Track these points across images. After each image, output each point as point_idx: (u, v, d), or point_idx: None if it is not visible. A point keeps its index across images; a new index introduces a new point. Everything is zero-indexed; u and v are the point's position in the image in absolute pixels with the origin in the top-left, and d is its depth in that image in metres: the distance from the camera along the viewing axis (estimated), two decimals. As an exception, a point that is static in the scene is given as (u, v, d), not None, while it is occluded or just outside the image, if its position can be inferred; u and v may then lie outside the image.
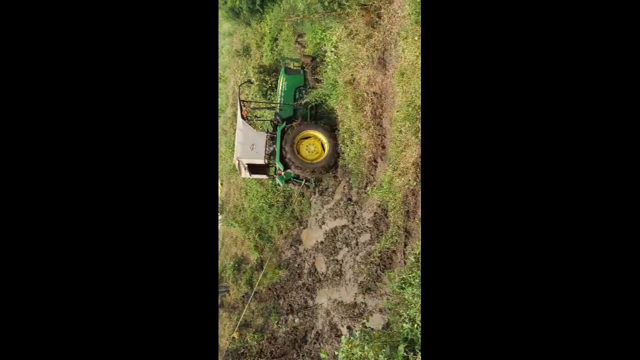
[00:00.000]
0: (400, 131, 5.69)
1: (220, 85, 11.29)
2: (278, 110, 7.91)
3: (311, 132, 7.44)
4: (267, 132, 7.81)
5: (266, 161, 7.64)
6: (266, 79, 9.05)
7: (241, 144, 7.51)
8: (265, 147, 7.58)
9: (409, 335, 4.09)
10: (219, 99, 11.13)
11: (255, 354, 7.66)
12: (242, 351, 7.82)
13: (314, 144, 7.52)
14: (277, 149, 7.47)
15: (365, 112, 6.50)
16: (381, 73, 6.17)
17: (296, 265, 8.06)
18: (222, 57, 11.53)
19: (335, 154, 7.36)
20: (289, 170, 7.56)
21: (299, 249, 8.17)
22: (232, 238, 10.06)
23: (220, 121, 11.06)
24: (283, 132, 7.49)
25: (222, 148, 10.81)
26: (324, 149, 7.48)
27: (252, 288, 8.40)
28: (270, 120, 8.11)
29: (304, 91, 7.87)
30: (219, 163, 10.45)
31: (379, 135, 6.53)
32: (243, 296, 8.87)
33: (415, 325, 4.11)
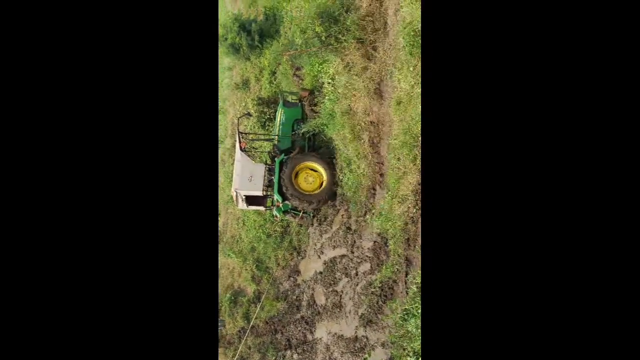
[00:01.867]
0: (399, 159, 5.74)
1: (219, 117, 11.51)
2: (276, 142, 8.01)
3: (309, 163, 7.49)
4: (266, 163, 7.85)
5: (264, 193, 7.62)
6: (265, 110, 9.25)
7: (239, 175, 7.53)
8: (264, 178, 7.59)
9: (414, 371, 3.89)
10: (219, 131, 11.30)
11: (252, 394, 7.22)
12: (237, 391, 7.38)
13: (313, 176, 7.54)
14: (276, 181, 7.47)
15: (362, 141, 6.59)
16: (377, 103, 6.33)
17: (294, 297, 7.81)
18: (222, 90, 11.86)
19: (334, 185, 7.36)
20: (286, 202, 7.52)
21: (297, 280, 7.95)
22: (228, 269, 9.81)
23: (219, 152, 11.16)
24: (281, 163, 7.53)
25: (220, 178, 10.83)
26: (322, 180, 7.50)
27: (249, 322, 8.07)
28: (269, 152, 8.18)
29: (302, 124, 8.01)
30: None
31: (377, 163, 6.58)
32: (239, 331, 8.50)
33: (421, 360, 3.92)
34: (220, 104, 11.57)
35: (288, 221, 8.45)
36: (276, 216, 8.13)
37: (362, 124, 6.57)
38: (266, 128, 9.22)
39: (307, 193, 7.40)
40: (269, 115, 9.14)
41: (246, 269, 9.12)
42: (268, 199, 7.86)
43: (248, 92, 10.58)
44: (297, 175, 7.52)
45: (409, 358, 4.03)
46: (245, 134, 8.50)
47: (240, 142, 7.71)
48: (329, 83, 7.18)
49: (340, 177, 7.27)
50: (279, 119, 8.13)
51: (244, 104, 10.37)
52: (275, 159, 7.71)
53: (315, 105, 7.91)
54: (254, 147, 8.87)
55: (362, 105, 6.45)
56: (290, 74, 8.86)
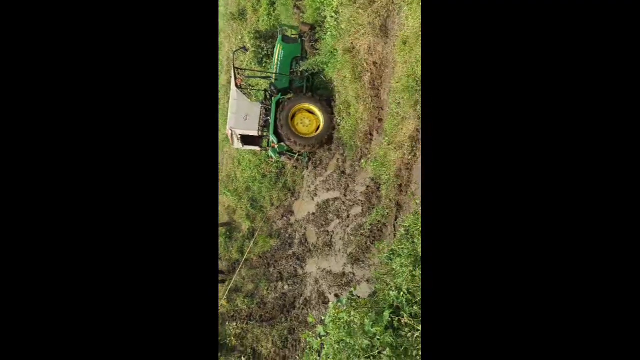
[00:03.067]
0: (398, 103, 5.60)
1: (214, 50, 10.90)
2: (273, 80, 7.70)
3: (307, 105, 7.29)
4: (262, 102, 7.63)
5: (260, 133, 7.52)
6: (262, 45, 8.76)
7: (234, 113, 7.35)
8: (259, 118, 7.43)
9: (394, 302, 4.20)
10: (213, 65, 10.78)
11: (245, 317, 7.88)
12: (232, 314, 8.03)
13: (309, 118, 7.39)
14: (272, 121, 7.32)
15: (363, 82, 6.36)
16: (382, 41, 5.99)
17: (287, 235, 8.14)
18: (216, 20, 11.09)
19: (330, 129, 7.26)
20: (282, 143, 7.46)
21: (290, 219, 8.23)
22: (224, 206, 10.07)
23: (214, 88, 10.77)
24: (278, 103, 7.32)
25: (215, 116, 10.60)
26: (319, 123, 7.37)
27: (243, 255, 8.51)
28: (265, 90, 7.91)
29: (301, 62, 7.64)
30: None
31: (376, 107, 6.43)
32: (234, 263, 9.00)
33: (401, 293, 4.21)
34: (215, 35, 10.88)
35: (283, 163, 8.49)
36: (271, 157, 8.13)
37: (364, 64, 6.28)
38: (263, 65, 8.81)
39: (303, 135, 7.33)
40: (267, 50, 8.68)
41: (241, 207, 9.37)
42: (264, 139, 7.78)
43: (244, 23, 9.91)
44: (293, 116, 7.36)
45: (391, 292, 4.32)
46: (241, 69, 8.13)
47: (235, 78, 7.41)
48: (332, 17, 6.71)
49: (338, 121, 7.15)
50: (276, 56, 7.72)
51: (239, 37, 9.77)
52: (272, 98, 7.48)
53: (316, 41, 7.48)
54: (250, 85, 8.55)
55: (366, 43, 6.11)
56: (290, 5, 8.23)
